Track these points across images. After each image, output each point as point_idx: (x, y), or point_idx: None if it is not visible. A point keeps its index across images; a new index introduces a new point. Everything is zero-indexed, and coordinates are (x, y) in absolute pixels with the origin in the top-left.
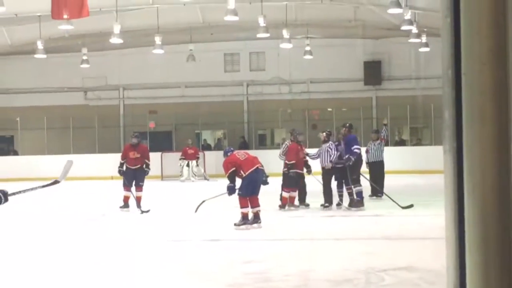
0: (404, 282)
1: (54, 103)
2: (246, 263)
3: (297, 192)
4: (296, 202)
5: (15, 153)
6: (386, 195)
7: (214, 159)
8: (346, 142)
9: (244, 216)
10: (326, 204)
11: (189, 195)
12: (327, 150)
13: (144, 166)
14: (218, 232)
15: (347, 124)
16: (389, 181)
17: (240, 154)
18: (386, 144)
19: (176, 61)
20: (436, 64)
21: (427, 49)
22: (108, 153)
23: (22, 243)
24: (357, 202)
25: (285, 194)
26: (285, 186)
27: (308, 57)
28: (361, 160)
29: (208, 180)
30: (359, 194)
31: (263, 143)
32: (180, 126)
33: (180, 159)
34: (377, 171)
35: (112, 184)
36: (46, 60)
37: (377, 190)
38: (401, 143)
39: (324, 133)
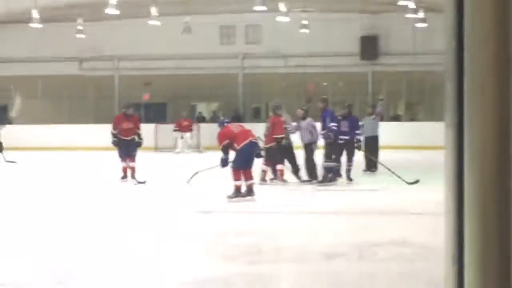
0: (398, 257)
1: (49, 73)
2: (239, 236)
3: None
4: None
5: (10, 121)
6: (391, 171)
7: (208, 131)
8: (323, 118)
9: (237, 189)
10: (309, 179)
11: (183, 167)
12: (308, 128)
13: (137, 137)
14: (210, 204)
15: (323, 98)
16: (384, 156)
17: (234, 126)
18: (382, 119)
19: (171, 33)
20: (433, 40)
21: (424, 25)
22: (102, 124)
23: (12, 216)
24: (330, 177)
25: (266, 168)
26: (269, 159)
27: (304, 31)
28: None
29: (202, 152)
30: (329, 169)
31: (257, 116)
32: (175, 98)
33: (174, 130)
34: (372, 146)
35: (106, 155)
36: (42, 29)
37: (371, 165)
38: (396, 118)
39: (302, 110)
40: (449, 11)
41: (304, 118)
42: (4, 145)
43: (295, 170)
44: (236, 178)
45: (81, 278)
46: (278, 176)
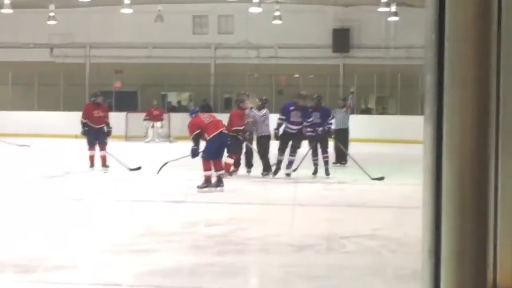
0: (366, 249)
1: (20, 59)
2: (208, 226)
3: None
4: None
5: None
6: (358, 165)
7: (179, 121)
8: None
9: (207, 179)
10: (265, 173)
11: (153, 156)
12: (263, 121)
13: (106, 125)
14: (180, 194)
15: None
16: (354, 149)
17: (205, 116)
18: (352, 112)
19: (144, 21)
20: (404, 34)
21: (396, 19)
22: (73, 111)
23: None
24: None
25: (230, 160)
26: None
27: (277, 22)
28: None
29: (172, 142)
30: (279, 163)
31: (229, 106)
32: (146, 87)
33: (145, 119)
34: (342, 139)
35: (76, 143)
36: (13, 15)
37: (342, 157)
38: (367, 111)
39: (260, 101)
40: (429, 3)
41: (260, 109)
42: None
43: (248, 165)
44: (206, 168)
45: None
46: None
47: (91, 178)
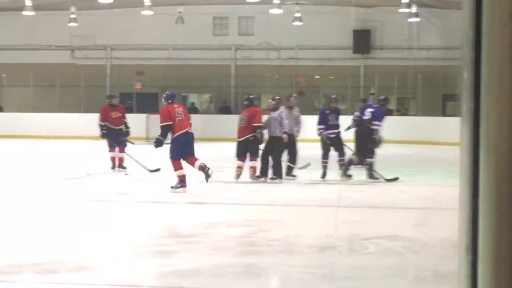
0: (388, 250)
1: (41, 61)
2: (229, 227)
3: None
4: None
5: (0, 109)
6: (373, 169)
7: (199, 122)
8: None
9: (181, 179)
10: (274, 177)
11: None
12: (277, 119)
13: (124, 126)
14: (201, 195)
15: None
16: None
17: (178, 110)
18: None
19: (165, 23)
20: (425, 35)
21: (417, 19)
22: (93, 113)
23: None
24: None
25: (253, 164)
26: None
27: (297, 23)
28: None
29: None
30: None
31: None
32: (167, 88)
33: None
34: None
35: (96, 144)
36: (34, 17)
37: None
38: (388, 112)
39: (274, 101)
40: (466, 0)
41: (275, 110)
42: None
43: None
44: (176, 168)
45: (69, 267)
46: (250, 173)
47: (112, 179)
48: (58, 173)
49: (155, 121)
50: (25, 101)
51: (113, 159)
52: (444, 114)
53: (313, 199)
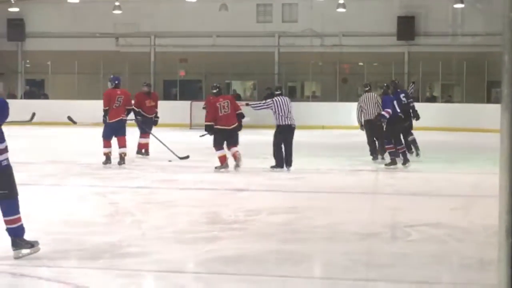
0: (431, 238)
1: (86, 48)
2: (272, 214)
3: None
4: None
5: (46, 96)
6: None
7: (242, 109)
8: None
9: (107, 156)
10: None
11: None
12: (288, 106)
13: (155, 115)
14: (242, 182)
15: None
16: (418, 137)
17: (118, 95)
18: (416, 101)
19: (208, 10)
20: (470, 21)
21: (461, 6)
22: None
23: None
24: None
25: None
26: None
27: (341, 10)
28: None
29: None
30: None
31: (293, 95)
32: (210, 76)
33: (203, 108)
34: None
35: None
36: (79, 5)
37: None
38: (432, 99)
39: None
40: None
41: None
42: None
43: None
44: (105, 145)
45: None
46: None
47: (156, 166)
48: (101, 159)
49: (199, 108)
50: (70, 88)
51: (146, 145)
52: (488, 101)
53: (357, 186)
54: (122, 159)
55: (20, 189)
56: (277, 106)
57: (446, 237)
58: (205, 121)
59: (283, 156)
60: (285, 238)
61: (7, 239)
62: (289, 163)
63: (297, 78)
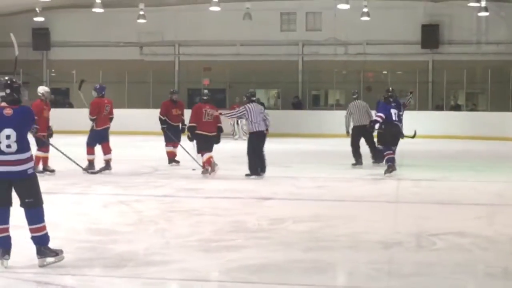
0: (456, 247)
1: (110, 58)
2: (296, 223)
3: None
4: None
5: (70, 105)
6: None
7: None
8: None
9: (90, 162)
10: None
11: (236, 153)
12: (259, 113)
13: (181, 123)
14: (267, 191)
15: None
16: (443, 146)
17: (106, 104)
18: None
19: (232, 19)
20: (495, 29)
21: (486, 14)
22: None
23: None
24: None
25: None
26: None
27: (365, 18)
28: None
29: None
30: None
31: (317, 103)
32: (234, 84)
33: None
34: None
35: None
36: (103, 14)
37: None
38: (457, 108)
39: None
40: None
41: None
42: (65, 128)
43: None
44: (88, 153)
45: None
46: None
47: (180, 174)
48: (126, 168)
49: (223, 117)
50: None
51: (172, 153)
52: None
53: (381, 195)
54: (108, 165)
55: (45, 198)
56: (250, 113)
57: (470, 246)
58: (189, 123)
59: (255, 163)
60: (309, 246)
61: (32, 247)
62: (262, 169)
63: (321, 86)
